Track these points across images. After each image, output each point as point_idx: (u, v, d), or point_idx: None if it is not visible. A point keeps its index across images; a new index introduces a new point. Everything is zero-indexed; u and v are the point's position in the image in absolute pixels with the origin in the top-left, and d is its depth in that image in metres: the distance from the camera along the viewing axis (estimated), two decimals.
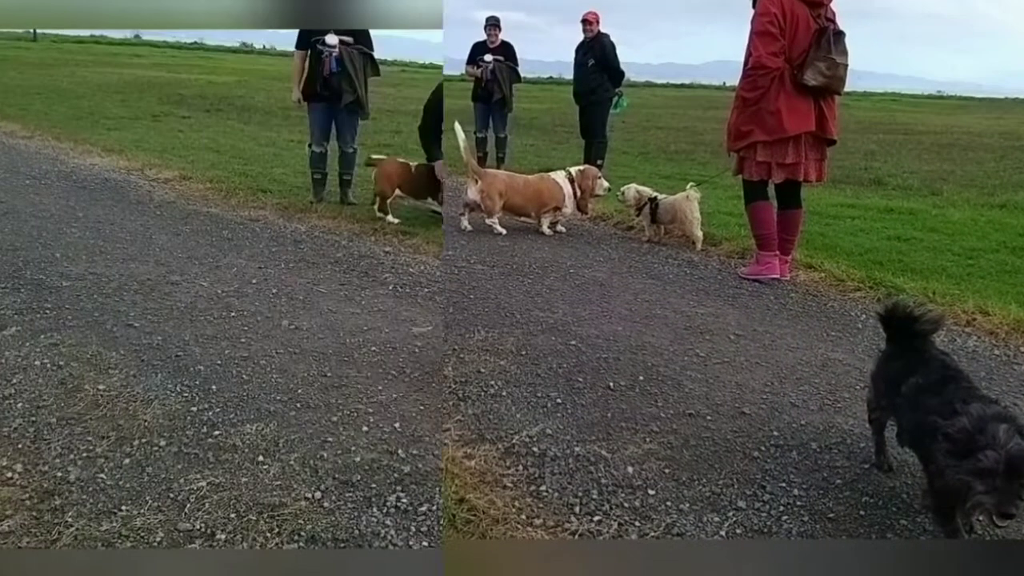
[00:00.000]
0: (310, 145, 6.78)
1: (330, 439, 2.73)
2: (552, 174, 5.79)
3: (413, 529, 2.23)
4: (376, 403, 3.04)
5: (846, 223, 6.42)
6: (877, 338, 3.23)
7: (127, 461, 2.51)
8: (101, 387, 3.03)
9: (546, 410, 2.83)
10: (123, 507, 2.26)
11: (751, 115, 4.40)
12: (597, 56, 7.84)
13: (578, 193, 5.62)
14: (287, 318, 3.98)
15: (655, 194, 5.62)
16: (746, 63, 4.42)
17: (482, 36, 8.44)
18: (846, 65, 4.24)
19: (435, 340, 3.80)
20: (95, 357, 3.33)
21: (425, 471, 2.54)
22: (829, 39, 4.23)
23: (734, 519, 2.18)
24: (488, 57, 8.17)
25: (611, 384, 3.06)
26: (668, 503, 2.25)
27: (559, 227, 5.83)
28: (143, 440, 2.64)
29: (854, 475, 2.41)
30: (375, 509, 2.32)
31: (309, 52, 6.37)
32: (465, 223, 5.67)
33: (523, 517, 2.18)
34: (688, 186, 5.52)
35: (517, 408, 2.84)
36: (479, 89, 8.45)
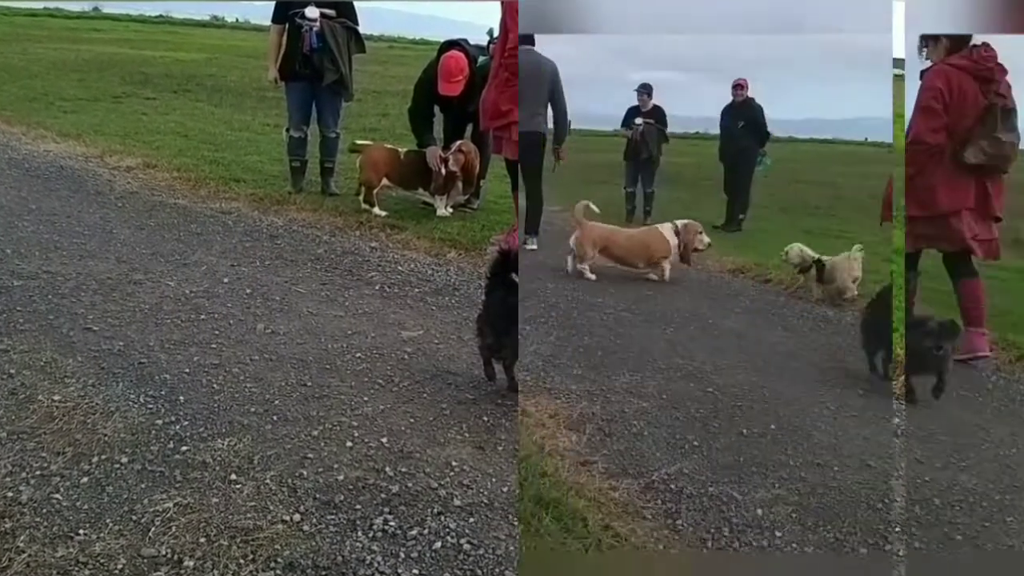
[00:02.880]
0: (288, 129, 6.81)
1: (310, 455, 2.75)
2: (659, 227, 6.42)
3: (402, 555, 2.24)
4: (361, 416, 3.06)
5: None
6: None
7: (85, 480, 2.52)
8: (56, 398, 3.04)
9: (683, 451, 3.12)
10: (81, 531, 2.27)
11: (907, 190, 4.66)
12: (747, 119, 9.02)
13: (682, 246, 6.30)
14: (263, 321, 4.00)
15: (818, 256, 5.97)
16: (906, 137, 4.66)
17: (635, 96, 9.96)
18: (1013, 143, 4.48)
19: (426, 345, 3.80)
20: (49, 364, 3.33)
21: (415, 491, 2.55)
22: (996, 116, 4.39)
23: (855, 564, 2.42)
24: (639, 120, 9.56)
25: (744, 431, 3.34)
26: (794, 544, 2.48)
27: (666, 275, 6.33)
28: (103, 456, 2.66)
29: (976, 531, 2.62)
30: (360, 533, 2.33)
31: (287, 26, 6.38)
32: (570, 267, 6.20)
33: (660, 547, 2.41)
34: (854, 248, 5.90)
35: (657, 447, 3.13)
36: (629, 149, 9.87)
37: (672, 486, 2.78)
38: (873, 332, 4.08)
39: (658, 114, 9.73)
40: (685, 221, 6.42)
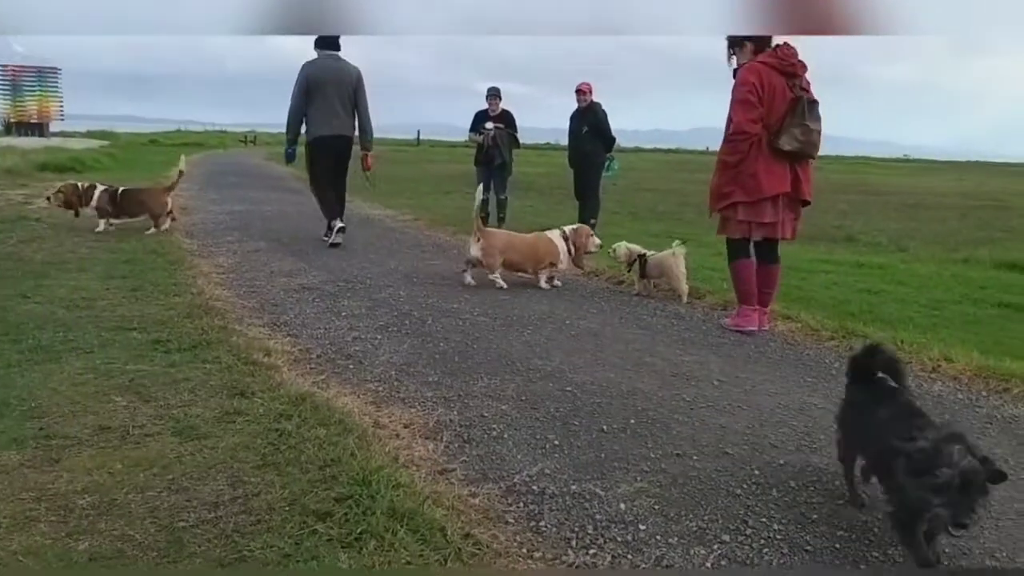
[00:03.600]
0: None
1: None
2: (548, 233, 6.55)
3: None
4: None
5: (821, 277, 7.33)
6: None
7: None
8: None
9: (544, 451, 3.09)
10: None
11: (732, 177, 4.99)
12: (591, 123, 9.16)
13: (572, 250, 6.41)
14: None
15: (644, 251, 6.26)
16: (727, 129, 5.01)
17: (484, 105, 9.96)
18: (819, 131, 4.93)
19: None
20: None
21: None
22: (804, 107, 4.83)
23: (719, 552, 2.40)
24: (489, 124, 9.72)
25: (604, 427, 3.34)
26: (658, 537, 2.47)
27: (555, 281, 6.50)
28: None
29: (830, 511, 2.69)
30: None
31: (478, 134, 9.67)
32: (468, 279, 6.30)
33: (524, 551, 2.36)
34: (674, 243, 6.14)
35: (518, 450, 3.10)
36: (481, 154, 9.90)
37: (534, 487, 2.74)
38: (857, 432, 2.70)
39: (508, 118, 9.84)
40: (575, 225, 6.62)
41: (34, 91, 32.59)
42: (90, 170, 15.51)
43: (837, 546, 2.43)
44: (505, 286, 6.17)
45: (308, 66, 7.47)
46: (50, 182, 12.22)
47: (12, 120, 31.74)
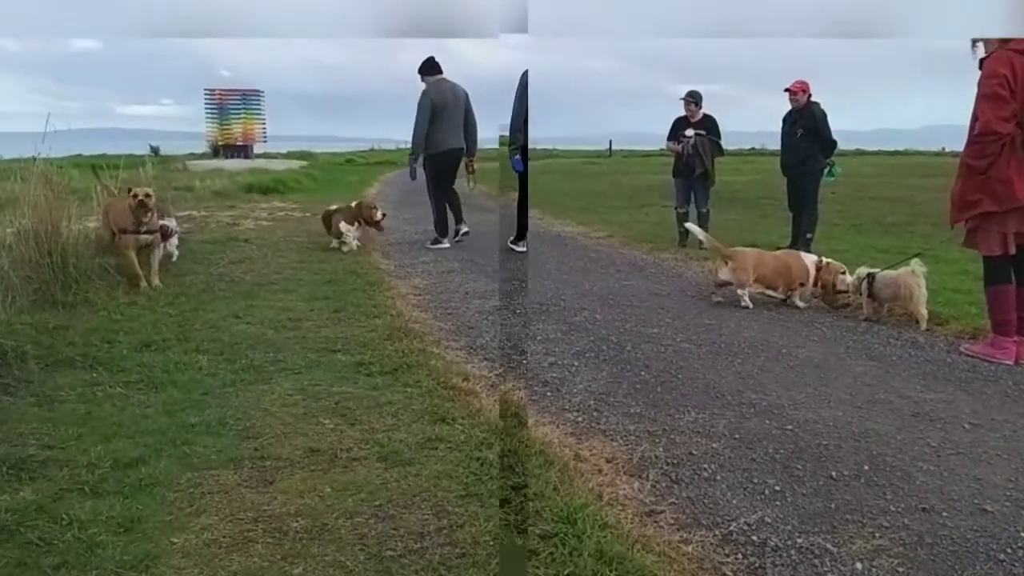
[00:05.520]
0: (676, 207, 9.73)
1: None
2: (796, 251, 6.93)
3: None
4: None
5: None
6: None
7: None
8: None
9: (764, 497, 3.00)
10: None
11: (979, 184, 4.68)
12: (807, 126, 8.74)
13: (819, 284, 6.42)
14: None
15: (871, 269, 6.02)
16: (972, 128, 4.71)
17: (679, 109, 9.90)
18: None
19: None
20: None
21: None
22: None
23: None
24: (690, 132, 9.60)
25: (833, 473, 3.21)
26: None
27: (799, 302, 6.53)
28: None
29: None
30: None
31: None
32: (717, 299, 6.57)
33: None
34: (913, 260, 5.81)
35: (733, 494, 3.02)
36: (679, 164, 9.86)
37: (754, 538, 2.66)
38: None
39: (710, 124, 9.61)
40: (827, 260, 6.49)
41: (239, 114, 35.69)
42: (292, 191, 16.89)
43: None
44: (751, 306, 6.21)
45: (431, 93, 9.08)
46: (255, 203, 13.45)
47: (220, 143, 34.97)
